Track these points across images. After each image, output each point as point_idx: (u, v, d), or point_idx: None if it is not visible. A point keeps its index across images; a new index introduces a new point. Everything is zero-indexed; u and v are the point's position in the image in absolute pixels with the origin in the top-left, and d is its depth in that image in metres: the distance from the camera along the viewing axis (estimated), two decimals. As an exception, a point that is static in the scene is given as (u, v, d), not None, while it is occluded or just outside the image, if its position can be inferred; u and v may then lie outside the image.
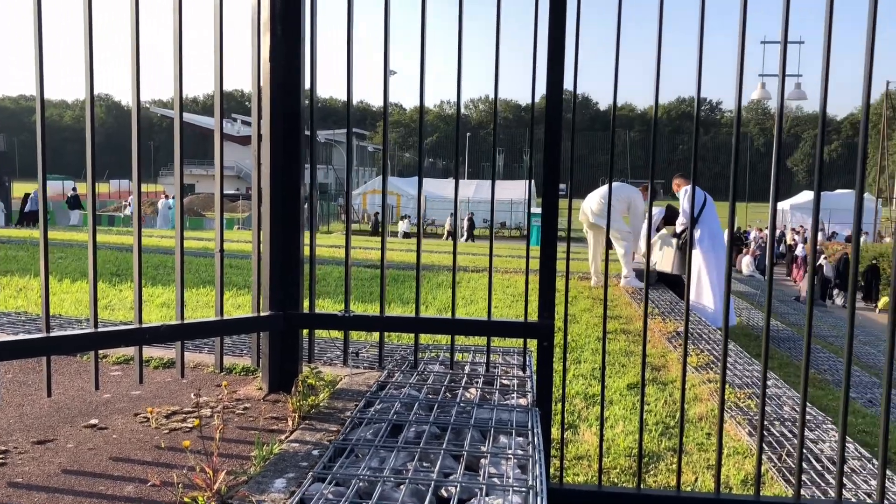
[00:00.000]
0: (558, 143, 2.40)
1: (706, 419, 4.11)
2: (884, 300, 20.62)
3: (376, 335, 3.21)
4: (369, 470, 2.00)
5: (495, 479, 1.93)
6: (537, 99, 2.48)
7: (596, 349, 5.63)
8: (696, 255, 7.87)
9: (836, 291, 23.13)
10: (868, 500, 2.99)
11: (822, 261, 25.37)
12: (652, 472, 3.43)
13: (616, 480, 3.30)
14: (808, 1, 2.54)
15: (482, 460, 2.06)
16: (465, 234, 34.98)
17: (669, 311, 7.41)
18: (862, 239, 31.93)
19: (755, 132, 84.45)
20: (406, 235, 34.25)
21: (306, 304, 2.90)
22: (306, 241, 2.90)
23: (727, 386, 4.75)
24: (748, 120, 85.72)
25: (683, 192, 8.11)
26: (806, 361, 2.48)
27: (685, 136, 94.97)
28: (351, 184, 3.00)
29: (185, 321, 2.66)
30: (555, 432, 3.77)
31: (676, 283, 8.67)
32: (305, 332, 2.99)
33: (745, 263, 25.38)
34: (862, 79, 2.32)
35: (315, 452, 2.20)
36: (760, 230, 33.60)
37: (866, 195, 40.09)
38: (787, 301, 18.89)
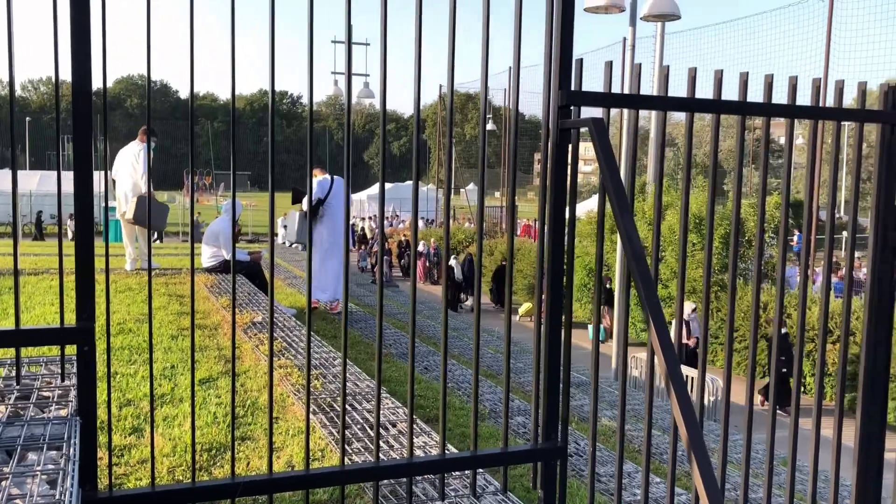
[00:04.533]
0: (88, 132, 2.26)
1: (276, 404, 4.25)
2: (525, 306, 20.11)
3: None
4: None
5: (17, 501, 1.76)
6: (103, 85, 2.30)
7: (168, 347, 5.46)
8: (315, 235, 8.42)
9: (463, 296, 22.20)
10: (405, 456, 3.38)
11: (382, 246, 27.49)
12: (219, 464, 3.44)
13: (182, 477, 3.25)
14: (374, 4, 2.76)
15: (3, 483, 1.86)
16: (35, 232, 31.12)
17: (247, 301, 7.50)
18: (420, 224, 35.71)
19: (334, 126, 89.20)
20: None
21: None
22: None
23: (296, 369, 4.97)
24: (326, 115, 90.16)
25: (317, 180, 8.58)
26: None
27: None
28: None
29: None
30: (116, 439, 3.58)
31: (255, 275, 8.79)
32: None
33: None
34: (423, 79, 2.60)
35: None
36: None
37: (430, 186, 45.00)
38: (364, 284, 20.42)
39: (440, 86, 30.82)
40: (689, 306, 13.25)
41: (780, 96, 2.99)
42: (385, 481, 3.11)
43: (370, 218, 36.62)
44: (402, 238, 28.48)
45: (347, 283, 2.79)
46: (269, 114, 2.60)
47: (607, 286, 18.03)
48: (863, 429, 3.26)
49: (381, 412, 4.18)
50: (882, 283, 3.22)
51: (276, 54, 2.53)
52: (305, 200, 8.49)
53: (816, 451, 3.24)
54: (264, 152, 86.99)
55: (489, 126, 41.01)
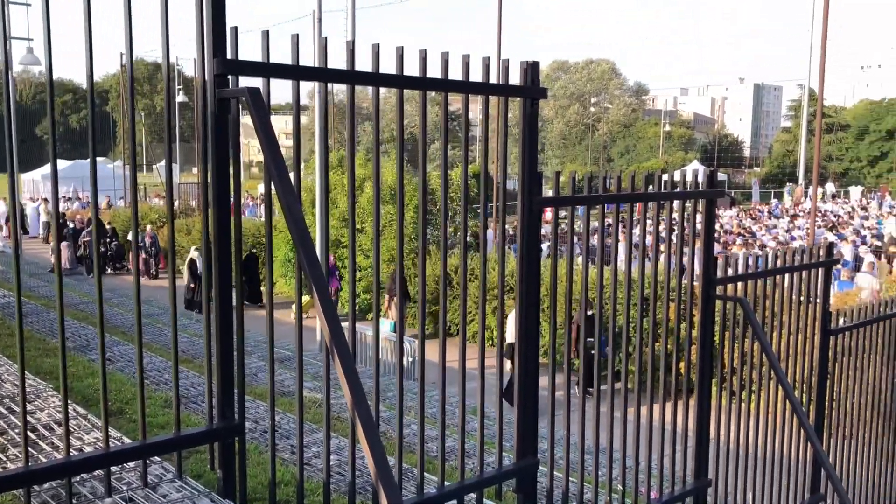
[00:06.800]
0: None
1: None
2: (305, 300, 17.02)
3: None
4: None
5: None
6: None
7: None
8: None
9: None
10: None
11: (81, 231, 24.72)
12: None
13: None
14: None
15: None
16: None
17: None
18: (119, 204, 32.89)
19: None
20: None
21: None
22: None
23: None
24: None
25: None
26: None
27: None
28: None
29: None
30: None
31: None
32: None
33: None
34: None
35: None
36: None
37: (118, 162, 41.46)
38: (42, 274, 18.40)
39: (121, 54, 28.46)
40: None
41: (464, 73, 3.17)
42: (46, 485, 2.83)
43: (45, 200, 32.81)
44: (107, 225, 24.80)
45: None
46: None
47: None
48: (521, 372, 3.64)
49: (48, 411, 3.80)
50: (530, 241, 3.58)
51: None
52: None
53: (482, 395, 3.55)
54: None
55: (180, 98, 38.88)
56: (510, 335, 9.94)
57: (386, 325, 13.22)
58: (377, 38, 3.00)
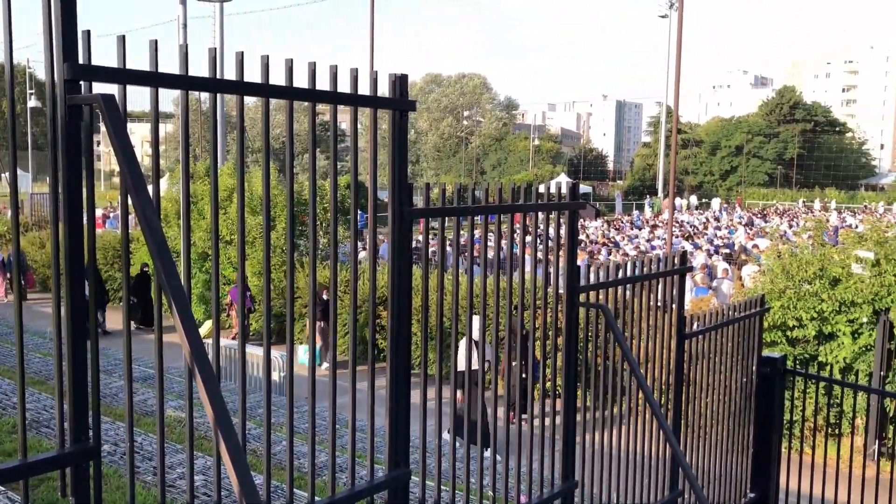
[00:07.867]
0: None
1: None
2: (207, 326, 15.17)
3: None
4: None
5: None
6: None
7: None
8: None
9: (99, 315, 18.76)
10: None
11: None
12: None
13: None
14: None
15: None
16: None
17: None
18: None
19: None
20: None
21: None
22: None
23: None
24: None
25: None
26: None
27: None
28: None
29: None
30: None
31: None
32: None
33: None
34: None
35: None
36: None
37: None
38: None
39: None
40: (477, 320, 8.25)
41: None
42: None
43: None
44: None
45: None
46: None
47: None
48: (392, 381, 3.64)
49: None
50: (401, 251, 3.60)
51: None
52: None
53: (354, 408, 3.53)
54: None
55: (33, 103, 36.59)
56: (462, 363, 8.10)
57: (302, 351, 12.71)
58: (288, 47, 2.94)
